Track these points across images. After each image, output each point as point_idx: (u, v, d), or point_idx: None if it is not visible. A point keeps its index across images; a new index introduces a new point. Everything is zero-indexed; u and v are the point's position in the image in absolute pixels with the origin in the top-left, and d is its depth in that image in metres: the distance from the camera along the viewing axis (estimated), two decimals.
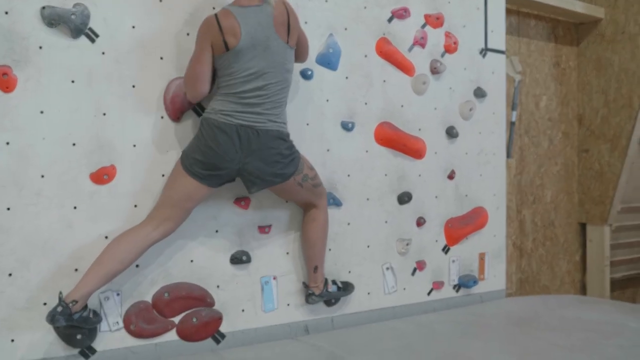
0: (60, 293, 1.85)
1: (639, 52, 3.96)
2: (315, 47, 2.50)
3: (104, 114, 2.04)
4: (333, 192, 2.55)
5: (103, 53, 2.05)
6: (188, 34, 2.20)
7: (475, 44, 3.08)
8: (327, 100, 2.55)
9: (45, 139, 1.95)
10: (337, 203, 2.56)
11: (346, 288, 2.52)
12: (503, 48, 3.22)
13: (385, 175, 2.72)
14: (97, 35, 2.04)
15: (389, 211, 2.74)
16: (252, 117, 2.04)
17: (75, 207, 1.99)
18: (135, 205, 2.09)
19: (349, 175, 2.61)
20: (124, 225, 2.03)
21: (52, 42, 1.97)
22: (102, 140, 2.04)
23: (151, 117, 2.13)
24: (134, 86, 2.10)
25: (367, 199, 2.67)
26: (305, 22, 2.47)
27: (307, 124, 2.49)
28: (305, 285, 2.42)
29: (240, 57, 2.01)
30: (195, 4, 2.22)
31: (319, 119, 2.52)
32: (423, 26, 2.86)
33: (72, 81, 2.00)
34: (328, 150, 2.55)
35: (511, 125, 3.41)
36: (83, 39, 2.02)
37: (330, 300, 2.50)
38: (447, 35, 2.95)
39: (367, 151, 2.66)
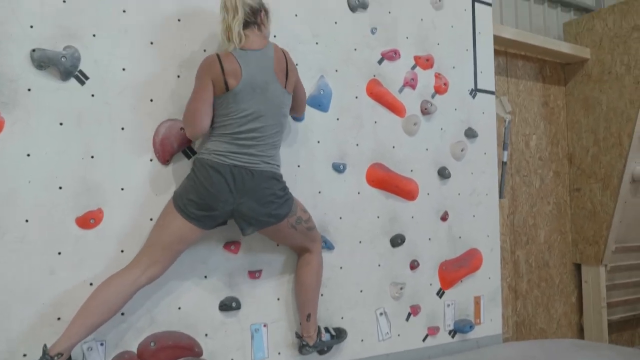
0: (45, 346, 1.76)
1: (626, 91, 4.02)
2: (306, 89, 2.49)
3: (92, 157, 2.01)
4: (325, 235, 2.51)
5: (93, 95, 2.03)
6: (178, 76, 2.20)
7: (465, 85, 3.11)
8: (318, 142, 2.53)
9: (31, 182, 1.90)
10: (328, 246, 2.51)
11: (339, 335, 2.45)
12: (493, 88, 3.25)
13: (378, 217, 2.69)
14: (87, 78, 2.03)
15: (381, 254, 2.69)
16: (246, 158, 2.02)
17: (59, 253, 1.93)
18: (122, 250, 2.03)
19: (340, 218, 2.57)
20: (109, 271, 1.96)
21: (41, 84, 1.95)
22: (89, 183, 2.00)
23: (140, 160, 2.10)
24: (123, 128, 2.08)
25: (360, 242, 2.62)
26: (297, 64, 2.47)
27: (299, 166, 2.46)
28: (298, 336, 2.33)
29: (238, 98, 2.01)
30: (186, 47, 2.23)
31: (310, 161, 2.50)
32: (413, 67, 2.89)
33: (61, 123, 1.97)
34: (319, 192, 2.52)
35: (503, 165, 3.41)
36: (73, 81, 2.01)
37: (323, 349, 2.42)
38: (437, 76, 2.98)
39: (358, 193, 2.64)
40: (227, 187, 1.98)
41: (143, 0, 2.16)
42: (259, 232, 2.16)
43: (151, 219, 2.09)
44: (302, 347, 2.30)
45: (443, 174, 2.93)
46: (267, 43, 2.12)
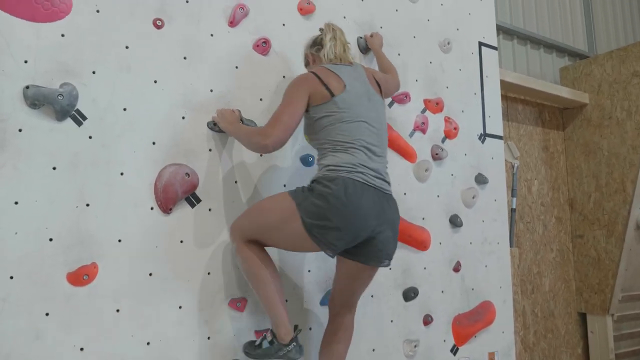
0: (273, 336, 1.86)
1: (628, 137, 3.98)
2: None
3: (87, 205, 1.81)
4: None
5: (90, 137, 1.86)
6: (183, 118, 2.04)
7: (474, 129, 3.01)
8: None
9: (18, 234, 1.69)
10: None
11: None
12: (501, 133, 3.16)
13: (390, 268, 2.51)
14: (84, 118, 1.85)
15: (394, 308, 2.51)
16: (379, 179, 1.89)
17: (47, 314, 1.70)
18: (118, 310, 1.81)
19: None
20: (103, 334, 1.74)
21: (34, 124, 1.77)
22: (83, 234, 1.79)
23: (140, 209, 1.90)
24: (122, 173, 1.89)
25: (372, 296, 2.43)
26: None
27: None
28: None
29: (348, 102, 1.91)
30: (190, 87, 2.08)
31: None
32: (423, 111, 2.78)
33: (54, 168, 1.78)
34: None
35: (512, 212, 3.29)
36: (69, 122, 1.83)
37: None
38: (447, 120, 2.87)
39: None
40: (373, 212, 1.82)
41: (147, 36, 2.02)
42: (351, 269, 1.96)
43: (150, 274, 1.88)
44: None
45: (455, 222, 2.79)
46: (353, 63, 2.10)
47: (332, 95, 1.90)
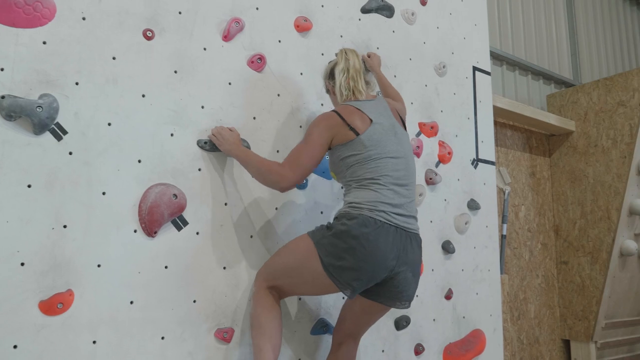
0: None
1: (613, 165, 3.99)
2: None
3: (65, 226, 1.67)
4: (326, 318, 2.20)
5: (70, 153, 1.72)
6: (172, 135, 1.92)
7: (467, 154, 2.96)
8: (322, 213, 2.27)
9: None
10: (330, 331, 2.20)
11: None
12: (493, 159, 3.11)
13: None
14: (65, 132, 1.72)
15: (385, 338, 2.40)
16: (404, 217, 1.81)
17: (15, 347, 1.54)
18: (94, 341, 1.66)
19: (343, 298, 2.27)
20: None
21: (9, 137, 1.63)
22: (58, 258, 1.64)
23: (122, 231, 1.77)
24: (104, 193, 1.75)
25: None
26: (300, 127, 2.25)
27: None
28: None
29: (374, 139, 1.84)
30: (180, 103, 1.96)
31: None
32: (418, 134, 2.71)
33: (29, 185, 1.63)
34: None
35: (502, 238, 3.23)
36: (47, 136, 1.69)
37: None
38: (441, 144, 2.81)
39: None
40: (392, 253, 1.74)
41: (136, 48, 1.90)
42: (368, 307, 1.89)
43: (132, 302, 1.74)
44: None
45: (447, 248, 2.71)
46: (376, 96, 2.04)
47: (357, 134, 1.83)
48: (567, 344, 4.19)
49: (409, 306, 1.88)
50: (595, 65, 5.31)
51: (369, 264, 1.69)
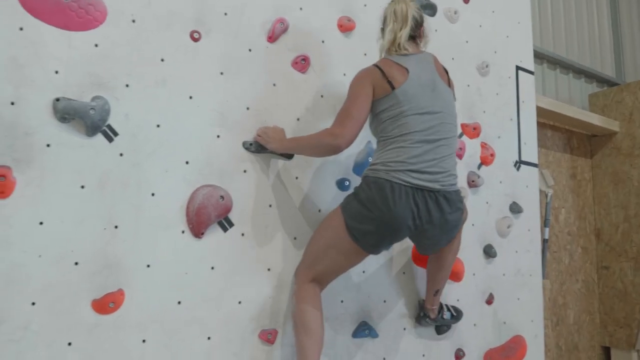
0: None
1: None
2: (351, 156, 2.25)
3: (116, 227, 1.70)
4: (368, 320, 2.19)
5: (121, 154, 1.74)
6: (218, 136, 1.93)
7: (509, 156, 2.89)
8: None
9: (42, 257, 1.57)
10: (372, 334, 2.18)
11: (457, 316, 2.37)
12: (536, 161, 3.04)
13: (423, 300, 2.38)
14: (116, 134, 1.74)
15: (426, 343, 2.37)
16: (430, 174, 1.80)
17: (69, 344, 1.58)
18: (144, 340, 1.69)
19: (385, 301, 2.26)
20: None
21: (63, 139, 1.66)
22: (110, 259, 1.67)
23: (170, 232, 1.79)
24: (153, 194, 1.78)
25: (404, 329, 2.30)
26: None
27: None
28: (421, 306, 2.28)
29: (409, 95, 1.83)
30: (226, 104, 1.97)
31: None
32: (460, 136, 2.67)
33: (82, 186, 1.66)
34: (363, 271, 2.22)
35: (544, 243, 3.16)
36: (99, 138, 1.72)
37: (442, 327, 2.37)
38: (484, 146, 2.76)
39: (404, 273, 2.34)
40: (410, 214, 1.77)
41: (183, 49, 1.91)
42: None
43: (179, 302, 1.76)
44: (422, 318, 2.27)
45: (489, 252, 2.66)
46: (423, 51, 2.02)
47: (393, 88, 1.83)
48: (607, 351, 4.08)
49: (446, 244, 2.00)
50: None
51: (387, 227, 1.76)
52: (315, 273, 1.87)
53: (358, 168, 2.24)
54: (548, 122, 3.99)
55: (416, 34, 1.98)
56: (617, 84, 4.70)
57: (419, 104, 1.83)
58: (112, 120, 1.74)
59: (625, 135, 4.11)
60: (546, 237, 3.17)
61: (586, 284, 4.07)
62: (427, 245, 1.99)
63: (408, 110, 1.82)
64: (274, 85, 2.10)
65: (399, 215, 1.75)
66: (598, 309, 4.12)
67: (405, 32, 1.92)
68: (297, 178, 2.09)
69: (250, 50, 2.07)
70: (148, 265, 1.73)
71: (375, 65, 1.89)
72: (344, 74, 2.29)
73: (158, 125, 1.83)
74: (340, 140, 1.78)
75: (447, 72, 2.05)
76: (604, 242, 4.15)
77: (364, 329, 2.13)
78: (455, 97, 2.09)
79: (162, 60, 1.87)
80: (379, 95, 1.85)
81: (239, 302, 1.88)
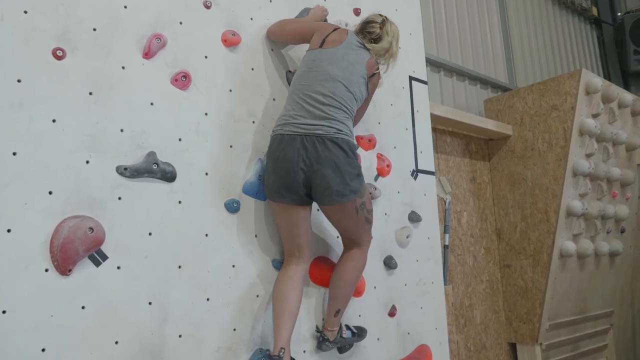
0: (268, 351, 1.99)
1: (549, 168, 4.08)
2: (240, 175, 2.16)
3: None
4: (263, 346, 2.10)
5: None
6: (87, 162, 1.77)
7: (406, 166, 2.93)
8: (256, 236, 2.17)
9: None
10: None
11: (360, 333, 2.37)
12: (433, 169, 3.10)
13: (323, 319, 2.33)
14: None
15: None
16: (317, 124, 2.02)
17: None
18: None
19: None
20: None
21: None
22: None
23: (31, 271, 1.60)
24: (9, 230, 1.59)
25: (304, 351, 2.24)
26: (230, 146, 2.15)
27: (233, 266, 2.08)
28: (319, 331, 2.26)
29: (325, 57, 2.12)
30: (96, 127, 1.82)
31: (249, 257, 2.13)
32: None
33: None
34: (257, 295, 2.13)
35: (444, 249, 3.23)
36: None
37: (344, 346, 2.33)
38: (380, 157, 2.76)
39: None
40: (298, 157, 1.98)
41: (44, 69, 1.74)
42: (324, 211, 2.16)
43: (44, 350, 1.59)
44: (322, 342, 2.22)
45: (389, 263, 2.66)
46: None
47: (320, 46, 2.14)
48: (513, 347, 4.24)
49: (341, 201, 2.04)
50: (530, 70, 5.45)
51: (282, 170, 2.00)
52: (285, 249, 2.13)
53: (247, 187, 2.16)
54: (447, 128, 4.10)
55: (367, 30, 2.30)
56: (510, 89, 4.94)
57: (329, 70, 2.09)
58: None
59: (518, 138, 4.32)
60: (446, 243, 3.24)
61: (490, 283, 4.22)
62: (321, 192, 2.02)
63: (316, 69, 2.11)
64: (152, 104, 1.97)
65: (290, 156, 1.99)
66: (503, 307, 4.28)
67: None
68: (180, 202, 1.96)
69: (123, 67, 1.93)
70: (4, 312, 1.54)
71: (335, 27, 2.25)
72: (230, 90, 2.21)
73: (14, 153, 1.64)
74: (274, 36, 2.37)
75: (373, 75, 2.25)
76: (505, 241, 4.33)
77: (259, 357, 2.04)
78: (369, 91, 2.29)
79: (19, 81, 1.70)
80: (310, 46, 2.20)
81: (116, 342, 1.73)
